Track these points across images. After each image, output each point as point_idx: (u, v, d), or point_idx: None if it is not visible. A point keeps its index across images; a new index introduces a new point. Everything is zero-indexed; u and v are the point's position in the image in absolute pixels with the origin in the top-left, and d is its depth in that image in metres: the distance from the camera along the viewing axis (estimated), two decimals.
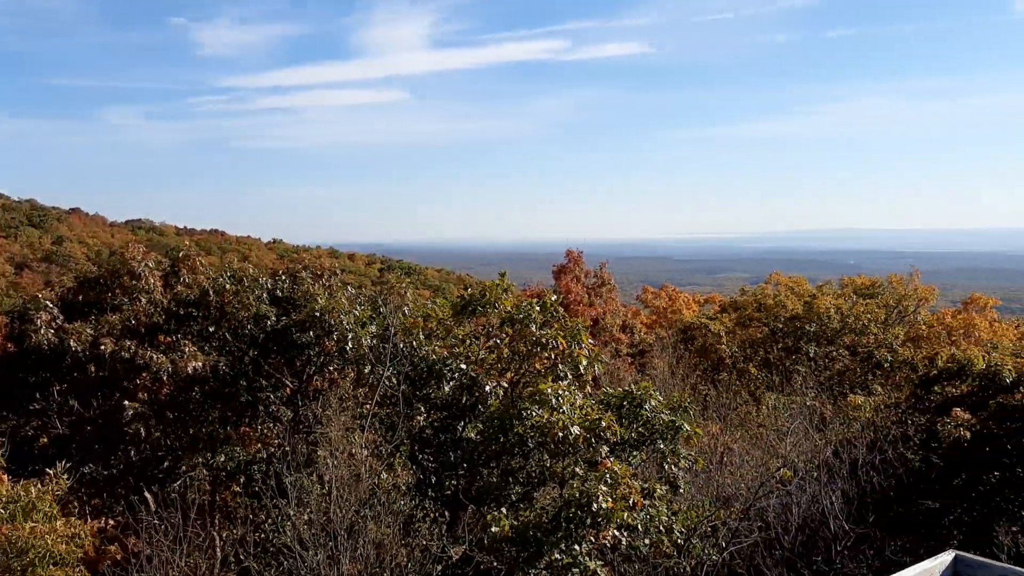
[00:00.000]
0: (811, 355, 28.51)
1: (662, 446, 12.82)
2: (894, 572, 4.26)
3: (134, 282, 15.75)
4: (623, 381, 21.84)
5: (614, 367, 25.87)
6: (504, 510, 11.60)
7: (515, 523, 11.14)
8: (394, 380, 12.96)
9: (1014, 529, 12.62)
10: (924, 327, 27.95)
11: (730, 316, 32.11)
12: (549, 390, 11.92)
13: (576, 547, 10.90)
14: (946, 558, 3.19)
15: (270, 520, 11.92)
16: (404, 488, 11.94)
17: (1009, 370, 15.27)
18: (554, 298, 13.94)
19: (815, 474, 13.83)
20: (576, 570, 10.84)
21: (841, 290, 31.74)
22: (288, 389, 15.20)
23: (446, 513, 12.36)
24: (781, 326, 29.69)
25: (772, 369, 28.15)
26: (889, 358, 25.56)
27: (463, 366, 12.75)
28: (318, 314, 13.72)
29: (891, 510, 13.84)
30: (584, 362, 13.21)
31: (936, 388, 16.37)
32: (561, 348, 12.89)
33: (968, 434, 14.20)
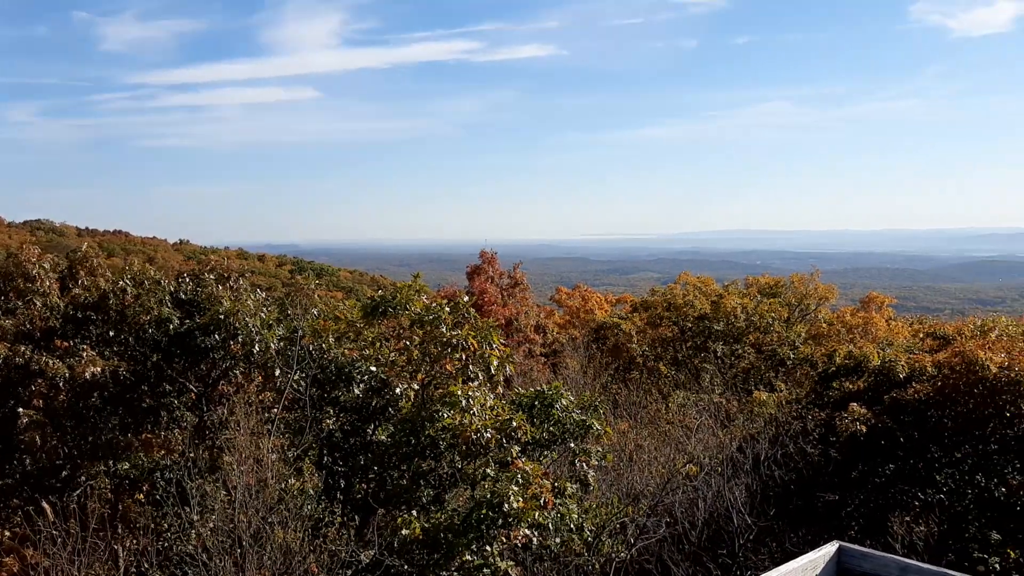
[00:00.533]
0: (718, 353, 29.26)
1: (573, 445, 12.96)
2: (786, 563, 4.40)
3: (28, 284, 15.15)
4: (536, 381, 22.04)
5: (527, 367, 26.08)
6: (415, 513, 11.56)
7: (426, 526, 11.12)
8: (302, 383, 12.79)
9: (907, 519, 13.19)
10: (825, 325, 28.96)
11: (641, 316, 32.67)
12: (460, 391, 11.93)
13: (487, 548, 10.95)
14: (830, 549, 3.36)
15: (173, 528, 11.63)
16: (312, 493, 11.79)
17: (902, 366, 15.92)
18: (466, 299, 13.96)
19: (720, 469, 14.21)
20: (487, 570, 10.88)
21: (746, 290, 32.61)
22: (192, 394, 14.84)
23: (356, 517, 12.26)
24: (690, 325, 30.36)
25: (681, 367, 28.79)
26: (792, 355, 26.39)
27: (373, 368, 12.66)
28: (223, 317, 13.44)
29: (791, 503, 14.30)
30: (495, 363, 13.26)
31: (835, 384, 16.94)
32: (472, 349, 12.90)
33: (864, 428, 14.75)
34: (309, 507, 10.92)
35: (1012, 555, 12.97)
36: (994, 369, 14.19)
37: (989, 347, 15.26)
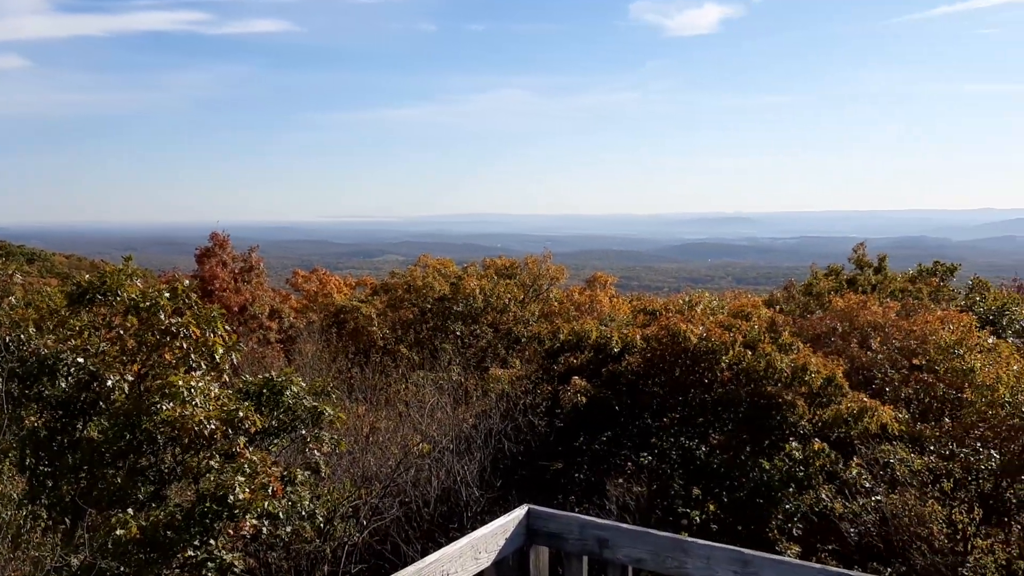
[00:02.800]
0: (458, 333, 29.98)
1: (304, 432, 12.73)
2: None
3: None
4: (271, 368, 21.41)
5: (261, 355, 25.27)
6: (131, 511, 10.86)
7: (144, 524, 10.48)
8: None
9: (620, 482, 14.27)
10: (556, 304, 30.52)
11: (382, 298, 32.74)
12: (181, 382, 11.31)
13: (212, 541, 10.53)
14: (520, 512, 3.57)
15: None
16: (15, 497, 10.74)
17: (616, 341, 17.14)
18: (187, 283, 13.23)
19: (452, 446, 14.58)
20: (212, 564, 10.47)
21: (484, 271, 33.60)
22: None
23: (65, 520, 11.31)
24: (430, 306, 30.86)
25: (422, 348, 29.20)
26: (525, 333, 27.57)
27: (80, 360, 11.66)
28: None
29: (517, 473, 15.01)
30: (220, 351, 12.68)
31: (560, 359, 17.92)
32: (195, 337, 12.26)
33: (585, 400, 15.75)
34: (8, 513, 9.93)
35: (711, 508, 14.41)
36: (694, 340, 15.64)
37: (691, 320, 16.79)
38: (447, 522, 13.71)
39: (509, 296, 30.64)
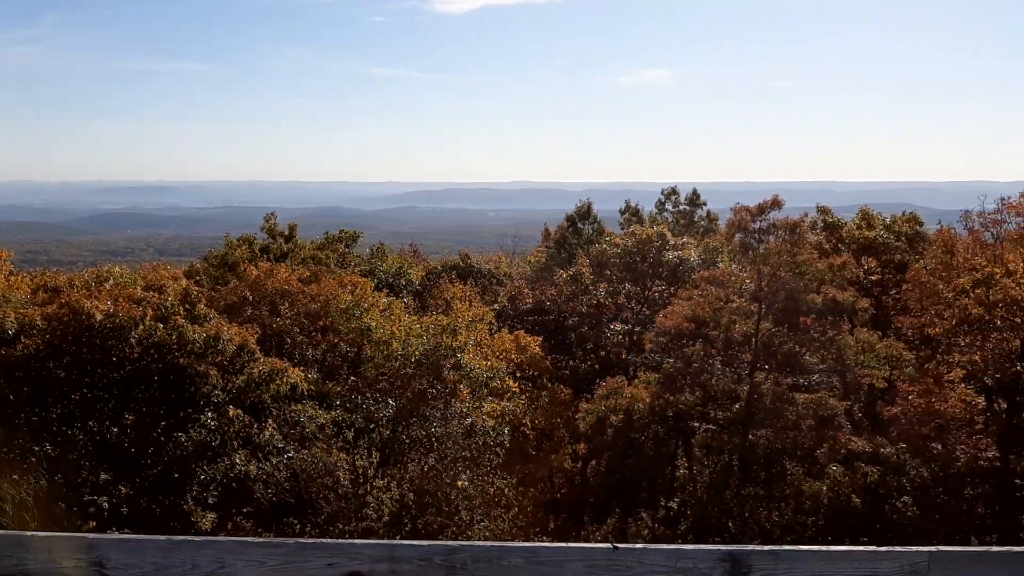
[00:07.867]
0: None
1: None
2: None
3: None
4: None
5: None
6: None
7: None
8: None
9: (16, 478, 12.84)
10: None
11: None
12: None
13: None
14: None
15: None
16: None
17: (12, 322, 15.37)
18: None
19: None
20: None
21: None
22: None
23: None
24: None
25: None
26: None
27: None
28: None
29: None
30: None
31: None
32: None
33: None
34: None
35: (124, 490, 13.79)
36: (100, 317, 14.73)
37: (97, 296, 15.77)
38: None
39: None
